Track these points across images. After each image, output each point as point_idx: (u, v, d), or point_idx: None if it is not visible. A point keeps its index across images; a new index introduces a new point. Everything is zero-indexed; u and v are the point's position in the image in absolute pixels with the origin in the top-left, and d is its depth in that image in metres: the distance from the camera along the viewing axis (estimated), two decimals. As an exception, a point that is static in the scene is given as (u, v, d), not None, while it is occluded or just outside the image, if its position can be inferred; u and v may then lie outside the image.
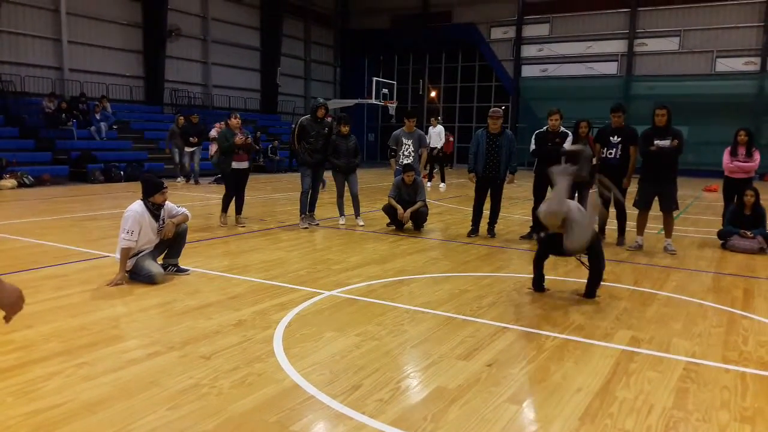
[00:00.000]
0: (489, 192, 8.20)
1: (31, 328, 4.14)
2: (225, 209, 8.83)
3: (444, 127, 17.29)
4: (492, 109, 8.08)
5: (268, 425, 2.87)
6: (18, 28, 18.46)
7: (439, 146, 16.21)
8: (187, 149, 15.49)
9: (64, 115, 17.58)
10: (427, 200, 8.94)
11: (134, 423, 2.84)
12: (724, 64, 24.51)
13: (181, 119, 16.03)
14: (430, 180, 16.67)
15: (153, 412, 2.95)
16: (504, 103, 29.45)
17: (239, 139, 8.56)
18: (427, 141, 15.99)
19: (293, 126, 21.54)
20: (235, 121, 8.67)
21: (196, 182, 15.53)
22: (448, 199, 13.80)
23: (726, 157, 8.43)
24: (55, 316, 4.42)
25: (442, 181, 16.67)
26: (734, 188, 8.34)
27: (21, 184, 14.29)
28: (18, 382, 3.25)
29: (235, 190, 8.82)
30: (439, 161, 16.98)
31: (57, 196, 12.68)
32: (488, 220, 8.38)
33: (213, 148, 16.04)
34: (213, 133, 16.07)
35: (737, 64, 24.26)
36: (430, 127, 16.62)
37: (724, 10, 24.33)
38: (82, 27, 20.14)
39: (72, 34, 19.77)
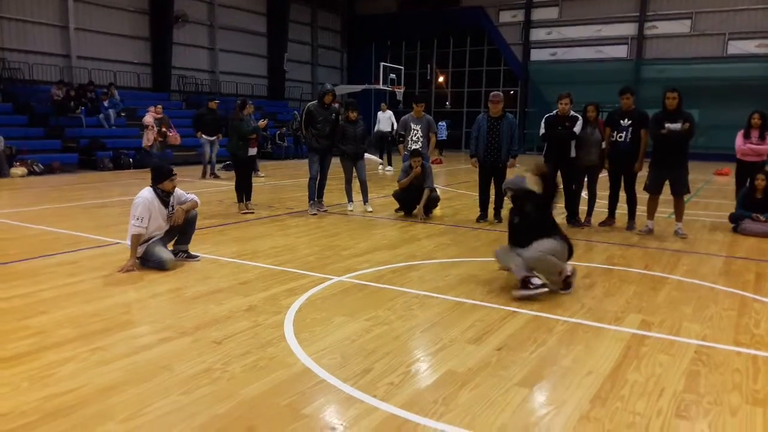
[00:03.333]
0: (493, 177, 8.18)
1: (46, 314, 4.18)
2: (241, 198, 8.89)
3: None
4: (492, 93, 8.04)
5: (279, 408, 2.89)
6: (25, 15, 18.47)
7: (387, 130, 16.71)
8: (208, 138, 14.03)
9: (72, 102, 17.62)
10: (435, 186, 8.91)
11: (147, 407, 2.87)
12: (736, 47, 24.15)
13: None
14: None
15: (166, 397, 2.98)
16: (513, 87, 29.27)
17: (263, 122, 9.03)
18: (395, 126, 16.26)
19: (295, 113, 21.18)
20: (249, 109, 8.98)
21: (214, 175, 14.22)
22: (458, 184, 13.77)
23: (739, 139, 8.46)
24: (68, 302, 4.47)
25: (389, 163, 17.07)
26: (746, 171, 8.39)
27: (31, 172, 14.39)
28: (33, 367, 3.29)
29: (246, 177, 8.91)
30: (387, 145, 17.27)
31: (67, 184, 12.76)
32: (494, 206, 8.36)
33: (149, 136, 14.64)
34: (148, 118, 14.85)
35: (749, 47, 23.89)
36: (380, 112, 17.21)
37: (736, -9, 23.96)
38: (89, 14, 20.11)
39: (79, 21, 19.76)
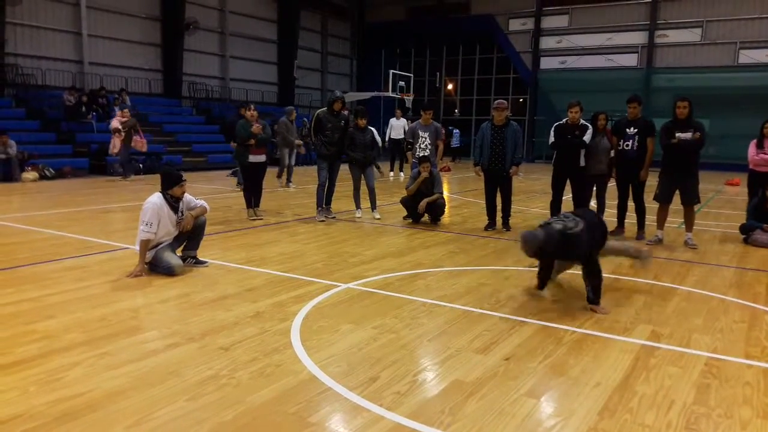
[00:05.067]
0: (498, 186, 8.16)
1: (54, 318, 4.20)
2: (249, 204, 8.87)
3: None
4: (497, 101, 8.04)
5: (286, 416, 2.88)
6: (39, 21, 18.68)
7: (401, 137, 16.79)
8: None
9: (84, 108, 17.77)
10: (444, 193, 8.90)
11: (154, 413, 2.87)
12: (747, 56, 24.04)
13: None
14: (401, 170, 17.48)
15: (172, 403, 2.98)
16: (522, 95, 29.27)
17: (257, 127, 8.52)
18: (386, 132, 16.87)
19: (304, 120, 21.40)
20: (250, 114, 8.68)
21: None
22: (466, 192, 13.75)
23: (752, 149, 8.29)
24: (76, 306, 4.48)
25: (401, 170, 17.55)
26: (759, 182, 8.17)
27: (42, 177, 14.51)
28: (41, 372, 3.30)
29: (252, 184, 8.87)
30: (401, 152, 17.32)
31: (77, 189, 12.84)
32: (502, 214, 8.34)
33: (116, 142, 14.37)
34: (114, 123, 14.50)
35: (761, 56, 23.76)
36: (393, 119, 17.41)
37: (748, 1, 23.84)
38: (102, 20, 20.33)
39: (92, 27, 19.97)
